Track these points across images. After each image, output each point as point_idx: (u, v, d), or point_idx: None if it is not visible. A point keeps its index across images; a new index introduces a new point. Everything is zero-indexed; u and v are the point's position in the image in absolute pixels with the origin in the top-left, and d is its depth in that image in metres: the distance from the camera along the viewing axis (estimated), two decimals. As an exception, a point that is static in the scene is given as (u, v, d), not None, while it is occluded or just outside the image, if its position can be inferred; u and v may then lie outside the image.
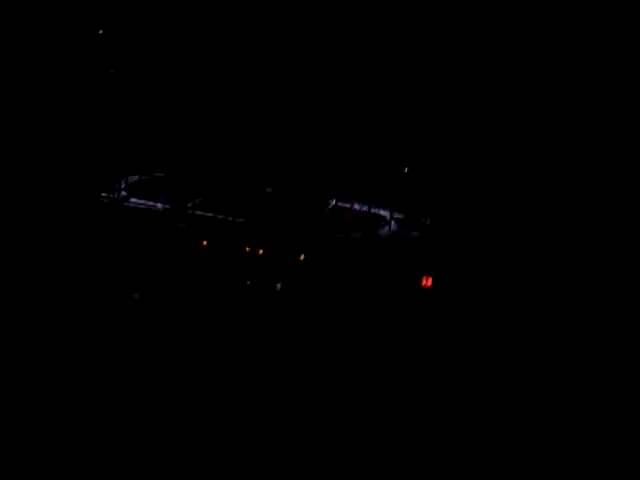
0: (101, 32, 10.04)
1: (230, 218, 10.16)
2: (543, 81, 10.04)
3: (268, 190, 10.38)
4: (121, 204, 10.01)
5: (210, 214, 10.25)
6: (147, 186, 10.27)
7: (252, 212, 10.27)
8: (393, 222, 10.48)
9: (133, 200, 10.14)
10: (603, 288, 9.57)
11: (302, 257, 10.01)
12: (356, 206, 10.60)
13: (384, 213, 10.54)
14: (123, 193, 10.07)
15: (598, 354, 9.10)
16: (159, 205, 10.20)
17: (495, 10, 10.10)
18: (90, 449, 7.52)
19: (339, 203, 10.58)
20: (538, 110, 10.05)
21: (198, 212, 10.26)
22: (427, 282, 9.97)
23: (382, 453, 7.86)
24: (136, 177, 10.19)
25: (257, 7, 10.25)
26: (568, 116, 9.97)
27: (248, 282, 9.82)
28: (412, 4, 10.26)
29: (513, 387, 8.77)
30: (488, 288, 9.78)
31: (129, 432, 7.72)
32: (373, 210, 10.53)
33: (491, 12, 10.10)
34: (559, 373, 8.97)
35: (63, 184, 9.92)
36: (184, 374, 8.59)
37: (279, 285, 9.87)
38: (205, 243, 9.94)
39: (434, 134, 10.35)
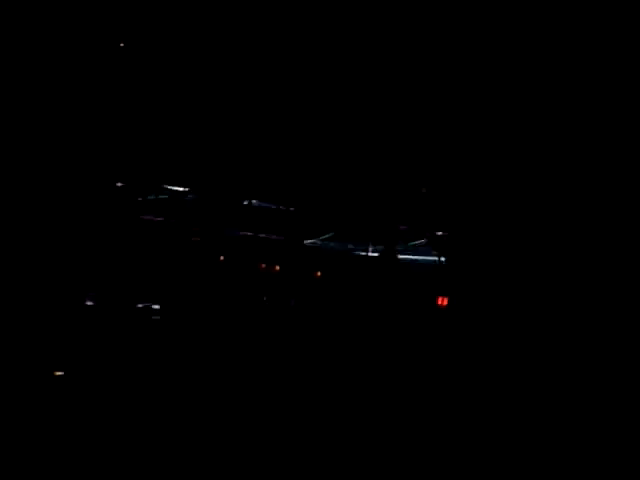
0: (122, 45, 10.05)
1: (248, 233, 10.17)
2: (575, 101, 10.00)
3: (286, 208, 10.38)
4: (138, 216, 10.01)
5: (228, 229, 10.26)
6: (166, 199, 10.28)
7: (269, 229, 10.28)
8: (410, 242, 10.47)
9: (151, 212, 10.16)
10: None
11: (318, 274, 10.02)
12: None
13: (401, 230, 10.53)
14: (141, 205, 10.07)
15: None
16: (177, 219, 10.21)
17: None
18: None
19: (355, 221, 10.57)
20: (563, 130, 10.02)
21: (214, 227, 10.27)
22: (443, 302, 9.95)
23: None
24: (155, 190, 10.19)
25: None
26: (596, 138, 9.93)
27: (264, 298, 9.84)
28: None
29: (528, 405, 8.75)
30: (505, 309, 9.77)
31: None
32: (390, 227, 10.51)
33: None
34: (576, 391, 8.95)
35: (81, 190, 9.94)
36: (194, 385, 8.60)
37: (293, 301, 9.88)
38: (222, 258, 9.96)
39: (449, 148, 10.33)
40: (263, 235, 10.26)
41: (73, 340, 8.97)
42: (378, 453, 8.02)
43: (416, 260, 10.32)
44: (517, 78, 10.08)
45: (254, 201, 10.44)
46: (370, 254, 10.31)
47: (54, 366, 8.61)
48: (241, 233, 10.27)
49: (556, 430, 8.46)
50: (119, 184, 10.13)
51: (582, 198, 9.92)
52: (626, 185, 9.82)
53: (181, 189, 10.36)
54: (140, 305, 9.59)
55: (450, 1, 10.12)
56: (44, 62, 9.89)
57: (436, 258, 10.25)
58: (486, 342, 9.60)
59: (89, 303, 9.47)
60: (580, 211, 9.92)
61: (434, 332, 9.81)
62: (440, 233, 10.37)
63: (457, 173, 10.32)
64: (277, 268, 10.01)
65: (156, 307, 9.64)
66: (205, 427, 8.01)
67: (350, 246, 10.42)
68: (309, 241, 10.29)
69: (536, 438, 8.34)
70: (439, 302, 9.98)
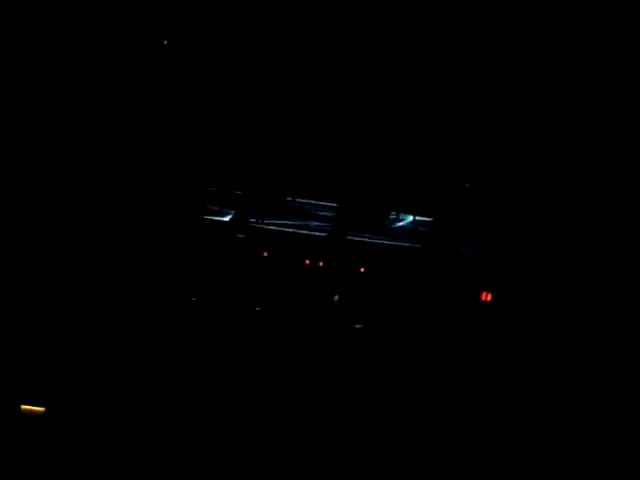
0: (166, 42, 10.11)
1: (290, 230, 10.22)
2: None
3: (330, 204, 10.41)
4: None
5: (271, 226, 10.32)
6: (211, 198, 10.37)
7: (313, 223, 10.32)
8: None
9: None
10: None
11: (362, 269, 10.03)
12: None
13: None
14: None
15: None
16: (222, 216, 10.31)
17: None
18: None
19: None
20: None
21: (259, 224, 10.34)
22: (487, 297, 9.91)
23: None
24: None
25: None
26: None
27: (305, 294, 9.89)
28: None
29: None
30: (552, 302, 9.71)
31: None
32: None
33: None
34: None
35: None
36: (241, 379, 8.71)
37: (337, 297, 9.92)
38: (265, 254, 10.02)
39: (494, 141, 10.27)
40: (306, 231, 10.31)
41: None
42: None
43: (458, 253, 10.29)
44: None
45: (293, 198, 10.50)
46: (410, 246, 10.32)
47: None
48: (285, 229, 10.33)
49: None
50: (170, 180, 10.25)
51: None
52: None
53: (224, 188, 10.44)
54: (184, 298, 9.72)
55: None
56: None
57: (477, 252, 10.23)
58: (524, 338, 9.58)
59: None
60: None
61: (476, 328, 9.79)
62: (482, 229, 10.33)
63: (494, 173, 10.28)
64: (320, 264, 10.05)
65: (198, 301, 9.76)
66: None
67: (392, 240, 10.42)
68: (352, 235, 10.31)
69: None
70: (483, 297, 9.95)
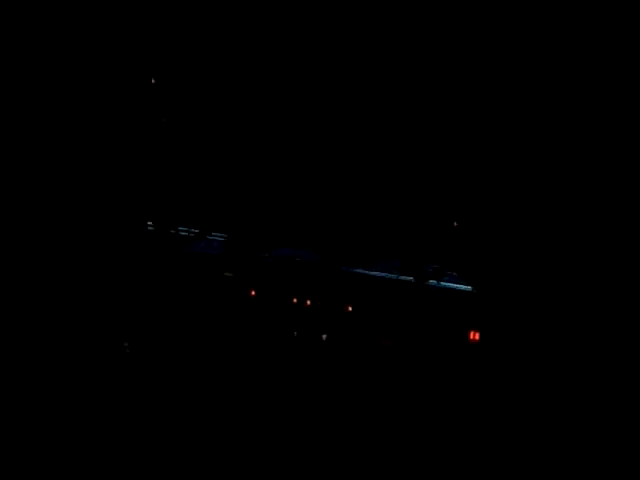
0: (154, 81, 10.08)
1: (279, 269, 10.17)
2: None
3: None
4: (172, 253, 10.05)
5: (258, 264, 10.26)
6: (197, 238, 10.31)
7: (299, 265, 10.28)
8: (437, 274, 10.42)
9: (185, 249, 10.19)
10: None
11: (349, 308, 10.00)
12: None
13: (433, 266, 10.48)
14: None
15: None
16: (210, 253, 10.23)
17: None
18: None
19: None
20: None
21: (245, 262, 10.28)
22: (475, 336, 9.89)
23: None
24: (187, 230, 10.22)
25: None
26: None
27: (295, 333, 9.83)
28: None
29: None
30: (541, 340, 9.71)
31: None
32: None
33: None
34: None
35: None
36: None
37: (325, 336, 9.87)
38: (253, 293, 9.97)
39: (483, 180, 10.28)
40: (292, 268, 10.27)
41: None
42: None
43: (447, 290, 10.27)
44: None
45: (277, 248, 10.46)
46: (399, 282, 10.28)
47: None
48: (272, 267, 10.28)
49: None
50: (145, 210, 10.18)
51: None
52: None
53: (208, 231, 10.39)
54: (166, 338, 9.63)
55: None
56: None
57: (467, 288, 10.20)
58: (518, 377, 9.55)
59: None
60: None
61: (466, 367, 9.77)
62: (470, 262, 10.31)
63: (485, 201, 10.26)
64: (308, 303, 10.00)
65: (183, 338, 9.68)
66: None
67: (379, 274, 10.39)
68: (338, 267, 10.28)
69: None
70: (471, 337, 9.93)
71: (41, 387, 8.52)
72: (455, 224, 10.18)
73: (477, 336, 9.90)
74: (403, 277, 10.30)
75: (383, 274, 10.30)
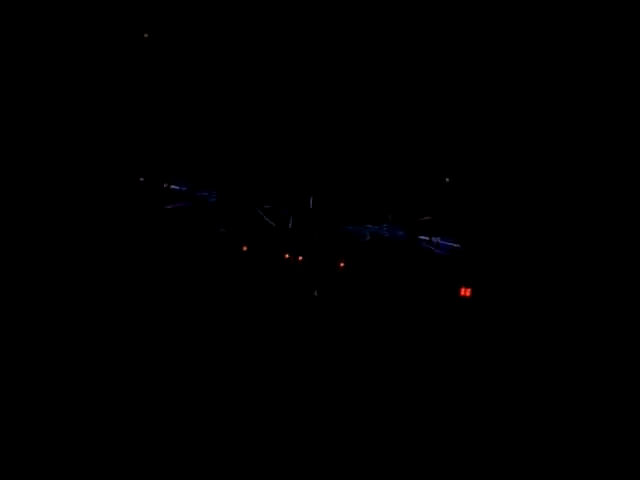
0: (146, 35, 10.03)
1: (272, 224, 10.20)
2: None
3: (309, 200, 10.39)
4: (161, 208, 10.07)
5: (251, 220, 10.29)
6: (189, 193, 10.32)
7: (294, 221, 10.30)
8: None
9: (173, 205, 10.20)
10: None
11: (342, 264, 10.04)
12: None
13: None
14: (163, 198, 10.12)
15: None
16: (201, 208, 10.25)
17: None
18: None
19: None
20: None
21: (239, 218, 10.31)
22: (466, 292, 9.96)
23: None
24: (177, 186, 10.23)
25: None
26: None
27: (286, 288, 9.89)
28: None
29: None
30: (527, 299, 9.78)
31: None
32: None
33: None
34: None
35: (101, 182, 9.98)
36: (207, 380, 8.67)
37: (316, 292, 9.93)
38: (245, 248, 10.00)
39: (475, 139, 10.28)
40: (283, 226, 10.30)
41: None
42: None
43: (438, 247, 10.32)
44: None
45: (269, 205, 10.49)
46: (390, 240, 10.32)
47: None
48: (264, 222, 10.30)
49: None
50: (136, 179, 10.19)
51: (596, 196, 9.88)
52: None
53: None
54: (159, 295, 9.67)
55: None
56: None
57: (457, 245, 10.25)
58: (504, 334, 9.63)
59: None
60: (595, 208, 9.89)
61: (455, 324, 9.84)
62: (459, 220, 10.35)
63: (476, 167, 10.29)
64: (300, 258, 10.05)
65: (174, 297, 9.72)
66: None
67: (370, 233, 10.42)
68: (330, 229, 10.31)
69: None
70: (462, 292, 9.99)
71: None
72: (447, 180, 10.21)
73: (468, 293, 9.97)
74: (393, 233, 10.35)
75: (375, 228, 10.34)
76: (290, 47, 10.29)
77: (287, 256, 10.01)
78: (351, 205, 10.42)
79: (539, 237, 10.00)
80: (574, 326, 9.54)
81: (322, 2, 10.12)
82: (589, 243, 9.83)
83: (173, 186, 10.11)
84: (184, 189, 10.19)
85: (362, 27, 10.17)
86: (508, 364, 9.30)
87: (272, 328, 9.51)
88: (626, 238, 9.71)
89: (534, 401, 8.79)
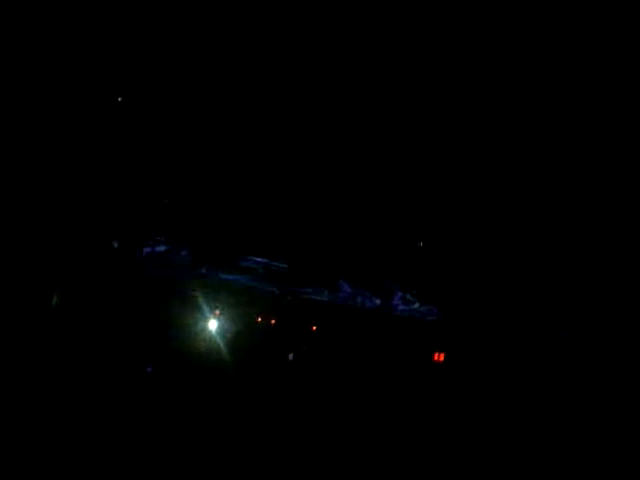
0: (120, 99, 10.05)
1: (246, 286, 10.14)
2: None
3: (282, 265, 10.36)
4: (136, 272, 9.96)
5: (224, 282, 10.22)
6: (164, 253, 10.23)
7: (267, 282, 10.25)
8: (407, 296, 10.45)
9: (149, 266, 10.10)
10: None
11: (314, 328, 9.97)
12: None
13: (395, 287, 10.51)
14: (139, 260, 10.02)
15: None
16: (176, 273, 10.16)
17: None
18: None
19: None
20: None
21: (212, 280, 10.23)
22: (440, 357, 9.92)
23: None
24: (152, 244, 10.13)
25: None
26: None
27: (260, 352, 9.78)
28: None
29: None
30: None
31: None
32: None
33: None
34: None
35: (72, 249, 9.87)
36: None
37: (291, 355, 9.82)
38: (218, 312, 9.90)
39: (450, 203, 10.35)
40: (259, 287, 10.23)
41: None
42: None
43: (412, 314, 10.30)
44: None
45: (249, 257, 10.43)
46: (364, 307, 10.29)
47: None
48: (237, 286, 10.23)
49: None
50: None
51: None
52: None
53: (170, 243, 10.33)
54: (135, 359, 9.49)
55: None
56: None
57: (430, 311, 10.25)
58: (481, 400, 9.57)
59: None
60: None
61: (431, 389, 9.76)
62: (434, 285, 10.36)
63: (451, 226, 10.34)
64: (273, 322, 9.97)
65: (152, 361, 9.55)
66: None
67: (343, 299, 10.39)
68: (304, 293, 10.27)
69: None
70: (435, 358, 9.95)
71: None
72: (420, 244, 10.25)
73: (441, 357, 9.93)
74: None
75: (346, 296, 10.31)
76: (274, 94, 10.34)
77: (259, 319, 9.93)
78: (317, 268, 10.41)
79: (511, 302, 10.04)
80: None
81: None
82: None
83: (146, 248, 10.03)
84: (159, 250, 10.12)
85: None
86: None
87: (246, 389, 9.37)
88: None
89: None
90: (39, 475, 7.30)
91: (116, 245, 9.90)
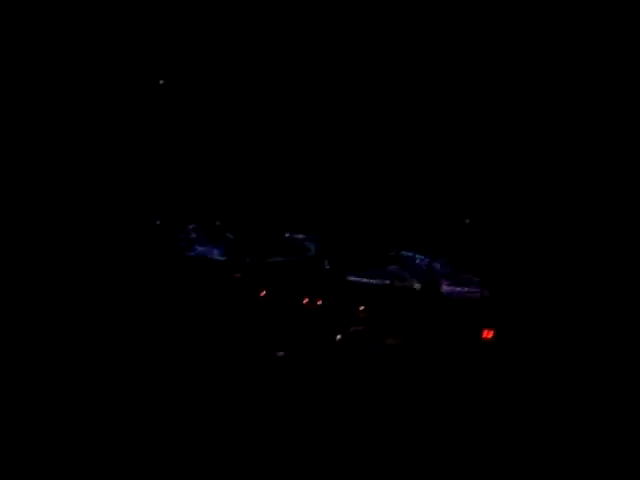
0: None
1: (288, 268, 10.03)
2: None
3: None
4: (179, 254, 9.88)
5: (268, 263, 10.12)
6: (206, 235, 10.15)
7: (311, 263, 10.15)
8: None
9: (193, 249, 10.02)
10: None
11: (361, 308, 9.84)
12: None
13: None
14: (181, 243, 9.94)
15: None
16: (217, 255, 10.07)
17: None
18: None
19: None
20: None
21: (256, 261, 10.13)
22: (488, 335, 9.76)
23: None
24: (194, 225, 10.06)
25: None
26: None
27: (306, 334, 9.65)
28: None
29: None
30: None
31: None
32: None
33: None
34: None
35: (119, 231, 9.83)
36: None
37: (339, 336, 9.69)
38: (263, 293, 9.79)
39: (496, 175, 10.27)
40: (304, 268, 10.12)
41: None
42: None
43: (460, 292, 10.17)
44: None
45: (290, 234, 10.33)
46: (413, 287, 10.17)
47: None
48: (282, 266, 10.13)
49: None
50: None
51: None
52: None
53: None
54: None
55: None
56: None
57: (480, 289, 10.12)
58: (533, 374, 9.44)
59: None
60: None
61: (479, 367, 9.63)
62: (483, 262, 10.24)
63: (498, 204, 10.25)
64: (319, 302, 9.85)
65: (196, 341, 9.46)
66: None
67: (390, 280, 10.27)
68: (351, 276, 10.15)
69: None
70: (484, 335, 9.80)
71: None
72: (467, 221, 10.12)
73: (490, 335, 9.77)
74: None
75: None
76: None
77: (306, 300, 9.80)
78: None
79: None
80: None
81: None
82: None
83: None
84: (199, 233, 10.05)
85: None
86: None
87: (293, 373, 9.28)
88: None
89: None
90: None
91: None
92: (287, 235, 10.17)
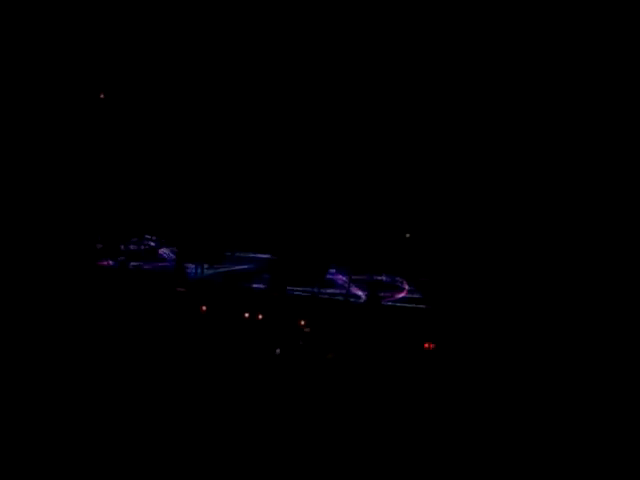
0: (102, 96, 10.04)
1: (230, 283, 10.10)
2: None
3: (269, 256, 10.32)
4: (120, 270, 9.92)
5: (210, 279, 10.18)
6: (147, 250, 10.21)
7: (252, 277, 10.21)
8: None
9: (133, 264, 10.07)
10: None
11: (302, 322, 9.90)
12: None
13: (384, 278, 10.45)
14: (122, 258, 9.99)
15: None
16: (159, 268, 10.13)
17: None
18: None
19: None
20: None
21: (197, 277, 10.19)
22: (430, 346, 9.84)
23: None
24: (135, 240, 10.11)
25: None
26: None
27: (246, 347, 9.70)
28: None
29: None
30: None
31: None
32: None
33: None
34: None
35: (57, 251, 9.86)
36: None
37: (278, 350, 9.75)
38: (204, 308, 9.85)
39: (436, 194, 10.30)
40: (246, 285, 10.19)
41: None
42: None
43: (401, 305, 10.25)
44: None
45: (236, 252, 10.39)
46: (354, 301, 10.24)
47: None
48: (224, 283, 10.19)
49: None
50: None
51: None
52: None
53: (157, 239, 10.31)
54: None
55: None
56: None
57: (421, 303, 10.19)
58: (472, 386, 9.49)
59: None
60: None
61: (422, 378, 9.68)
62: (424, 277, 10.31)
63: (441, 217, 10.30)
64: (260, 317, 9.90)
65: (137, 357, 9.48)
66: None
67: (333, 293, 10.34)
68: (292, 289, 10.21)
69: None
70: (425, 347, 9.88)
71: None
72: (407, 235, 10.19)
73: (431, 347, 9.85)
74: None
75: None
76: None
77: (247, 315, 9.87)
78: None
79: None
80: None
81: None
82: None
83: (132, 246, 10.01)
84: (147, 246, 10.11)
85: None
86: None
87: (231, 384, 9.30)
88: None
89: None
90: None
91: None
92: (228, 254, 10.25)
